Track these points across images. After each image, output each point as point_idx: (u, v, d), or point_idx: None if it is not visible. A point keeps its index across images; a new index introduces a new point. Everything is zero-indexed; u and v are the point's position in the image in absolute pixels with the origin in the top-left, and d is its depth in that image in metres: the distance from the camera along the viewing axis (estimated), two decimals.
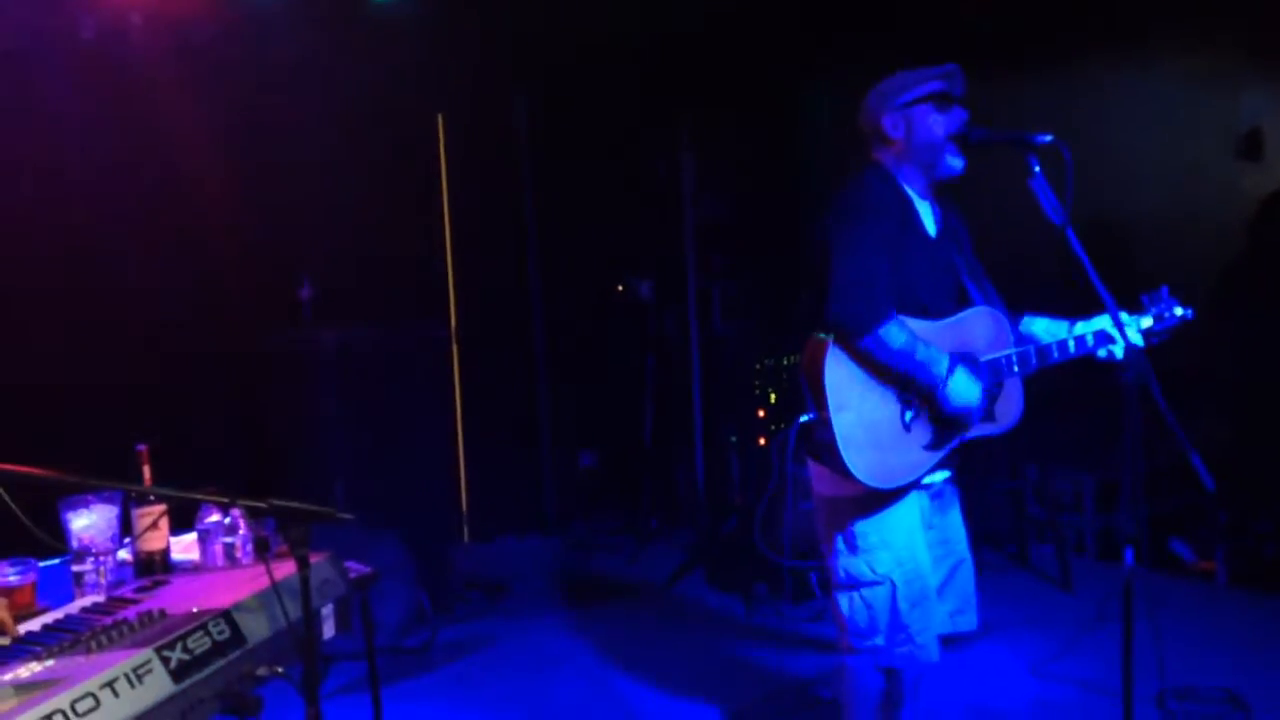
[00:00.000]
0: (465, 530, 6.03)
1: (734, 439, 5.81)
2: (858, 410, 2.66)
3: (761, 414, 5.67)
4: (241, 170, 4.84)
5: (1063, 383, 3.23)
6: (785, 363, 5.60)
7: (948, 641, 2.90)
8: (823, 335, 2.68)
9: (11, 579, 2.45)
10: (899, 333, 2.63)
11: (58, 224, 4.27)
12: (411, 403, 5.00)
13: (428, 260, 5.93)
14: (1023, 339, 2.91)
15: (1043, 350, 2.83)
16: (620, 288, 6.47)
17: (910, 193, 2.83)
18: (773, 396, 5.64)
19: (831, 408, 2.64)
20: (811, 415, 2.70)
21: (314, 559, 2.27)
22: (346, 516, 1.93)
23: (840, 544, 2.83)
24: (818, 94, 6.22)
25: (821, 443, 2.71)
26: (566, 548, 6.00)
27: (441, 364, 5.73)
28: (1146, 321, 2.90)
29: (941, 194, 2.93)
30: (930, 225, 2.86)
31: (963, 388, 2.68)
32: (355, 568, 2.88)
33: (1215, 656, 3.95)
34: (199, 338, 4.74)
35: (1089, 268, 2.63)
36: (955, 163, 2.80)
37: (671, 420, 6.32)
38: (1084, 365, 2.91)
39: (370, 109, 5.34)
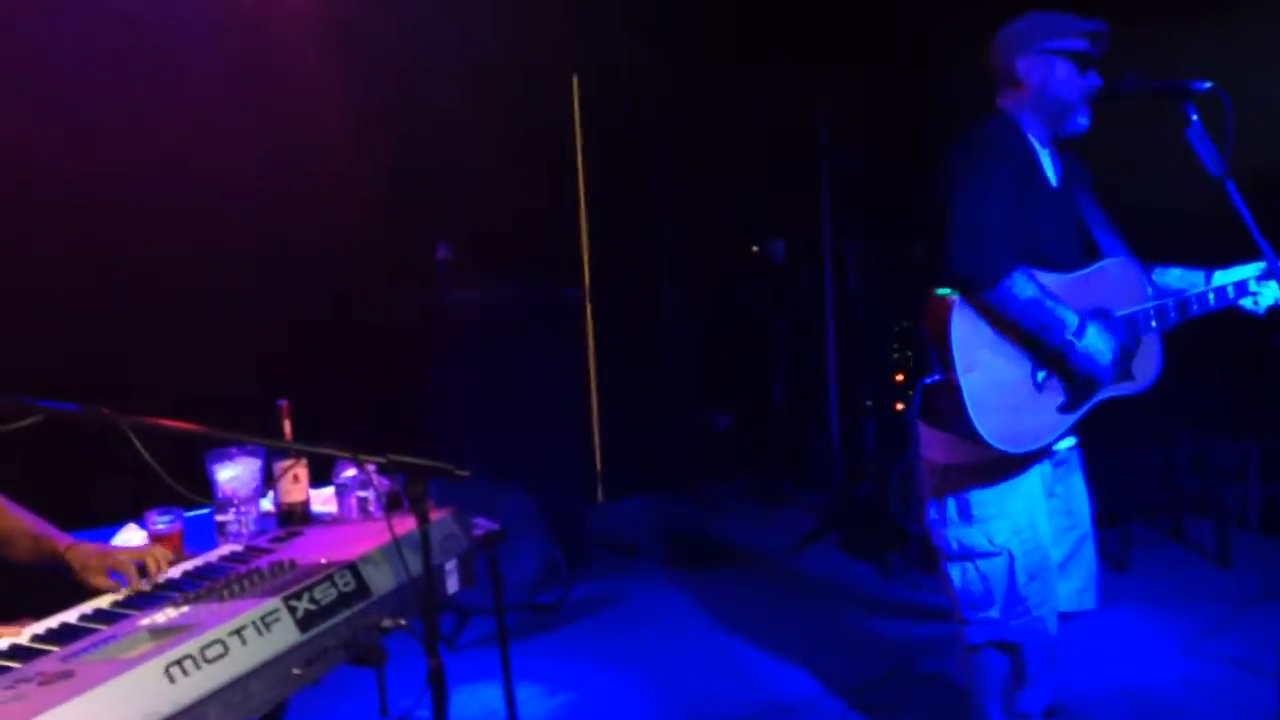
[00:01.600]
0: (599, 490, 6.09)
1: (869, 403, 5.68)
2: (987, 370, 2.52)
3: (900, 378, 5.53)
4: (380, 133, 4.94)
5: (1218, 343, 3.03)
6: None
7: (1064, 618, 2.76)
8: (946, 290, 2.55)
9: (160, 527, 2.57)
10: (1025, 284, 2.48)
11: (202, 186, 4.43)
12: (545, 362, 5.05)
13: (561, 220, 5.96)
14: (1160, 291, 2.73)
15: (1182, 303, 2.65)
16: (754, 248, 6.38)
17: (1033, 141, 2.68)
18: (911, 359, 5.49)
19: (959, 368, 2.50)
20: (937, 377, 2.57)
21: (437, 515, 2.32)
22: (464, 473, 1.95)
23: (953, 513, 2.70)
24: (953, 42, 5.95)
25: (947, 406, 2.56)
26: (697, 509, 6.00)
27: (575, 324, 5.77)
28: None
29: (1063, 143, 2.76)
30: (1052, 175, 2.70)
31: (1095, 345, 2.51)
32: (484, 524, 2.93)
33: None
34: (339, 298, 4.88)
35: (1249, 219, 2.44)
36: (1084, 122, 2.65)
37: (805, 383, 6.23)
38: (1234, 326, 2.72)
39: (506, 70, 5.37)
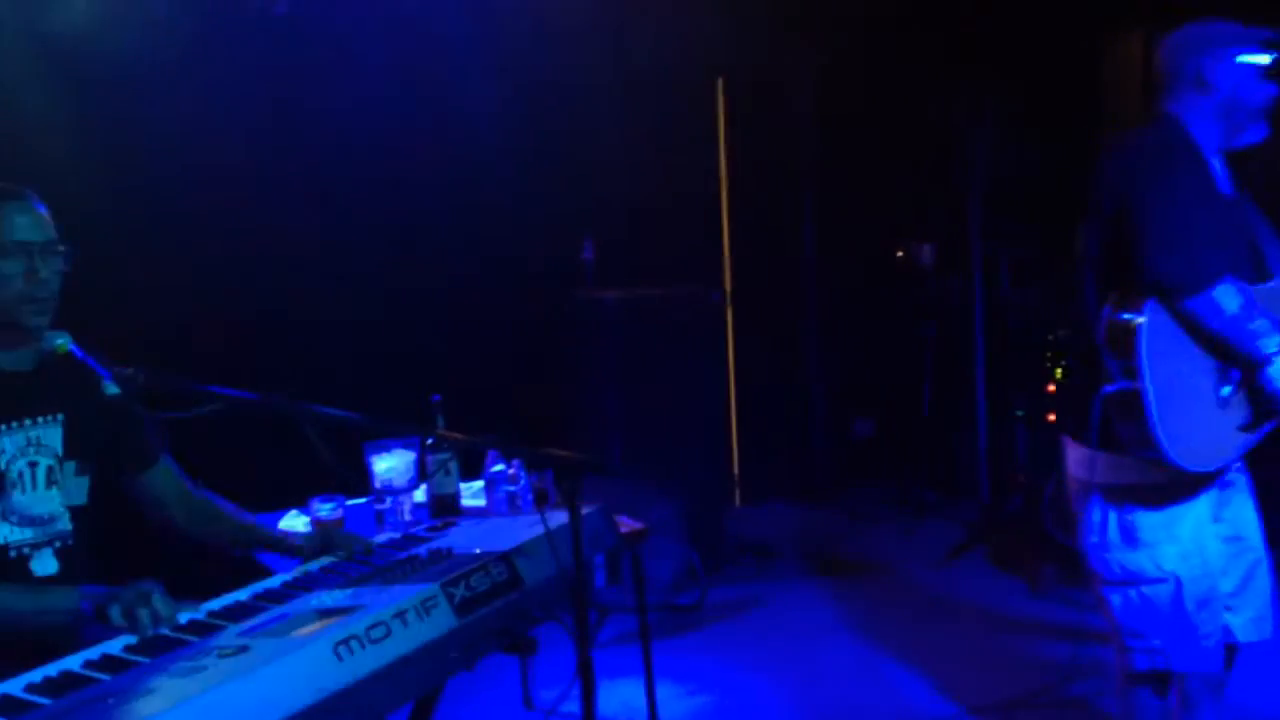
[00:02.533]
0: (737, 493, 6.07)
1: (1020, 413, 5.51)
2: (1173, 381, 2.36)
3: (1052, 388, 5.34)
4: (531, 135, 5.04)
5: None
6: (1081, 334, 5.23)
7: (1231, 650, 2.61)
8: (1134, 297, 2.41)
9: (322, 514, 2.68)
10: (1233, 296, 2.32)
11: (361, 186, 4.60)
12: (686, 364, 5.06)
13: (704, 223, 5.97)
14: None
15: None
16: (899, 253, 6.26)
17: (1204, 148, 2.54)
18: (1064, 369, 5.30)
19: (1147, 376, 2.34)
20: (1117, 386, 2.41)
21: (586, 510, 2.35)
22: (615, 469, 1.97)
23: (1115, 535, 2.55)
24: (1128, 32, 5.72)
25: (1127, 416, 2.40)
26: (838, 516, 5.91)
27: (716, 326, 5.76)
28: None
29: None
30: (1225, 183, 2.56)
31: None
32: (628, 523, 2.96)
33: None
34: (489, 298, 5.00)
35: None
36: (1261, 132, 2.50)
37: (952, 391, 6.07)
38: None
39: (652, 74, 5.41)
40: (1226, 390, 2.43)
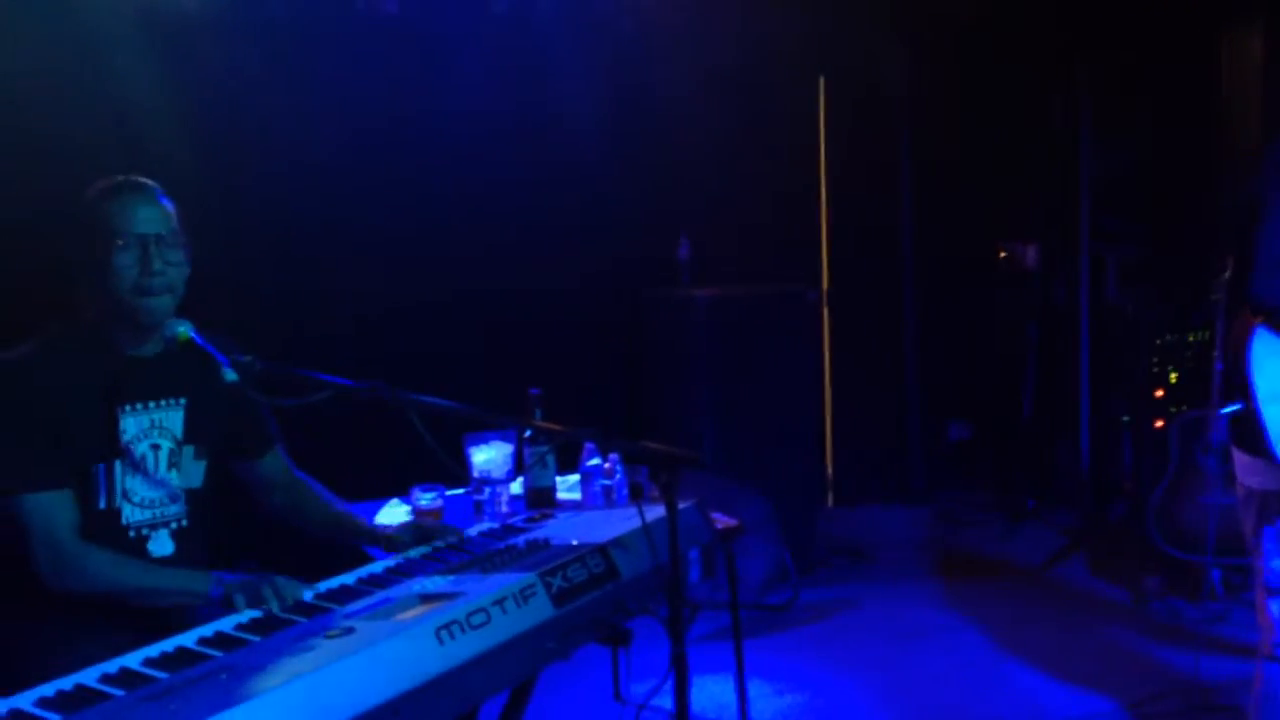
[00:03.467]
0: (830, 494, 6.01)
1: (1126, 419, 5.35)
2: None
3: (1159, 394, 5.18)
4: (629, 133, 5.07)
5: None
6: (1191, 339, 5.07)
7: None
8: (1250, 315, 2.39)
9: (423, 503, 2.74)
10: None
11: (461, 186, 4.68)
12: (780, 363, 5.04)
13: (802, 221, 5.92)
14: None
15: None
16: (1002, 254, 6.14)
17: None
18: (1173, 375, 5.14)
19: (1260, 398, 2.37)
20: (1238, 405, 2.44)
21: (681, 505, 2.35)
22: (711, 466, 1.98)
23: (1271, 542, 2.54)
24: (1247, 30, 5.50)
25: (1250, 435, 2.44)
26: (933, 519, 5.82)
27: (812, 325, 5.71)
28: None
29: None
30: None
31: None
32: (722, 519, 2.96)
33: None
34: (586, 296, 5.04)
35: None
36: None
37: (1054, 395, 5.93)
38: None
39: (753, 71, 5.39)
40: None
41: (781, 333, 5.08)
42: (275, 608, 1.91)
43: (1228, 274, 2.49)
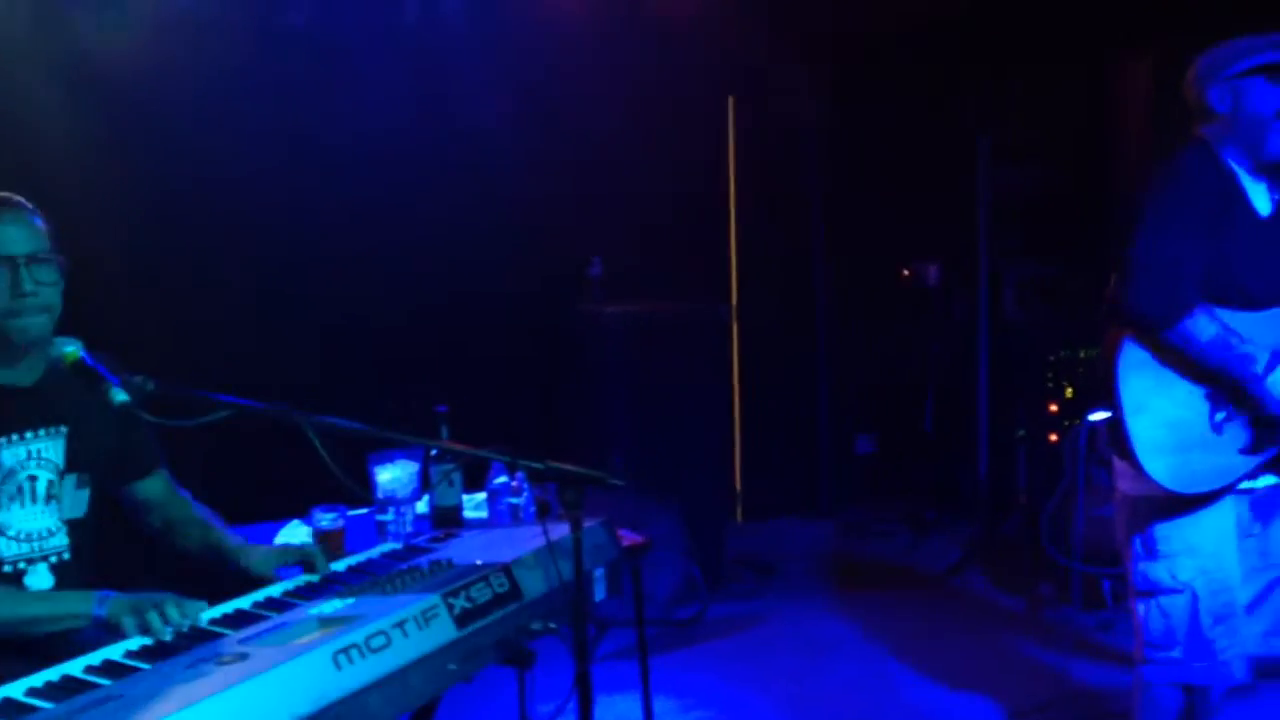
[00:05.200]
0: (740, 508, 6.07)
1: (1022, 433, 5.51)
2: (1158, 411, 2.47)
3: (1054, 408, 5.35)
4: (539, 152, 5.07)
5: None
6: (1083, 355, 5.25)
7: (1263, 670, 2.63)
8: (1119, 328, 2.49)
9: (324, 524, 2.70)
10: (1207, 325, 2.40)
11: (373, 200, 4.63)
12: (690, 380, 5.08)
13: (712, 239, 5.99)
14: None
15: None
16: (905, 271, 6.28)
17: (1238, 171, 2.56)
18: (1068, 390, 5.31)
19: (1126, 409, 2.47)
20: (1105, 414, 2.52)
21: (587, 523, 2.36)
22: (618, 483, 1.98)
23: (1139, 546, 2.63)
24: (1136, 55, 5.73)
25: (1117, 445, 2.53)
26: (840, 533, 5.92)
27: (721, 342, 5.78)
28: None
29: None
30: (1262, 204, 2.58)
31: None
32: (629, 536, 2.97)
33: None
34: (497, 313, 5.03)
35: None
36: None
37: (955, 410, 6.08)
38: None
39: (663, 91, 5.45)
40: (1220, 415, 2.47)
41: (692, 349, 5.13)
42: (165, 635, 1.86)
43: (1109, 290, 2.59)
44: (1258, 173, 2.58)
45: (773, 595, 4.94)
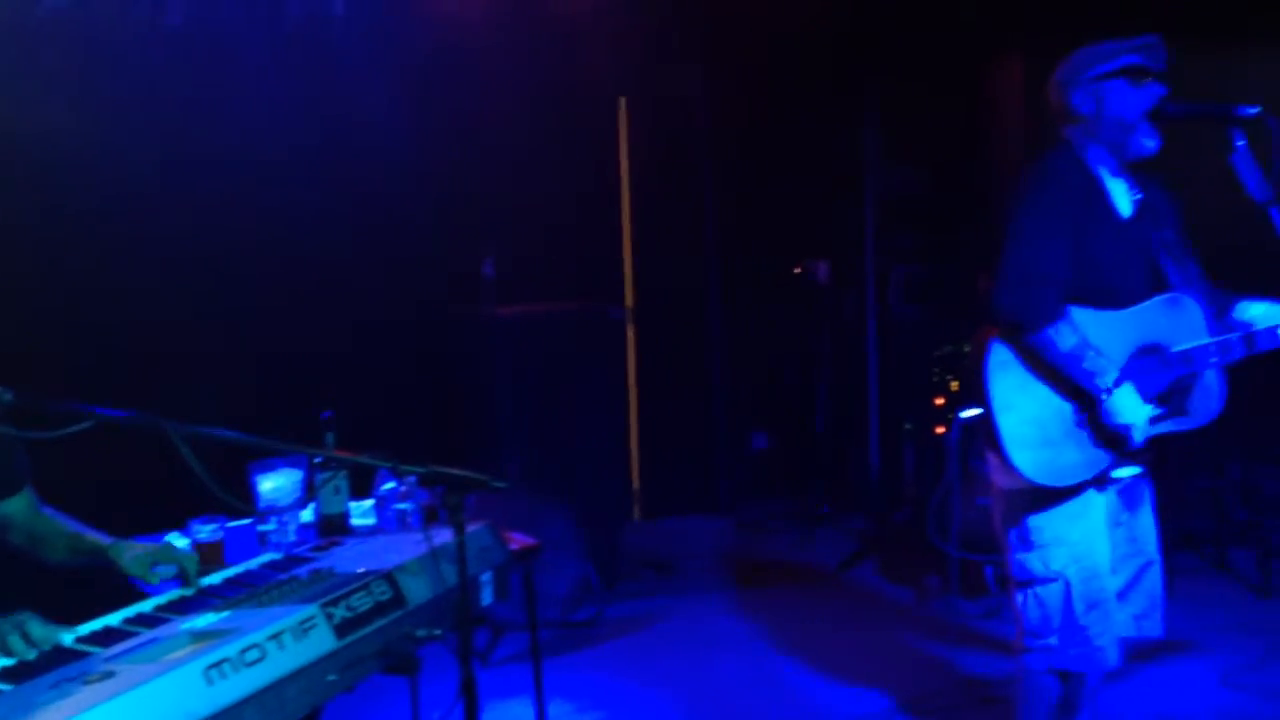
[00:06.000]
0: (636, 508, 6.10)
1: (908, 426, 5.65)
2: (1024, 408, 2.57)
3: (940, 402, 5.49)
4: (431, 153, 5.02)
5: (1271, 370, 2.99)
6: (966, 350, 5.39)
7: (1137, 653, 2.75)
8: (990, 327, 2.58)
9: (203, 536, 2.63)
10: (1069, 335, 2.50)
11: (257, 202, 4.53)
12: (586, 379, 5.09)
13: (606, 241, 6.00)
14: (1231, 325, 2.69)
15: (1251, 337, 2.59)
16: (797, 269, 6.39)
17: (1101, 172, 2.67)
18: (953, 384, 5.46)
19: (995, 407, 2.55)
20: (976, 411, 2.60)
21: (472, 527, 2.34)
22: (502, 485, 1.98)
23: (1014, 538, 2.72)
24: (1009, 59, 5.92)
25: (987, 440, 2.62)
26: (737, 529, 5.99)
27: (617, 342, 5.80)
28: None
29: (1143, 172, 2.74)
30: (1124, 204, 2.69)
31: (1125, 406, 2.53)
32: (520, 539, 2.96)
33: None
34: (388, 315, 4.96)
35: None
36: (1148, 143, 2.62)
37: (847, 405, 6.20)
38: None
39: (554, 92, 5.44)
40: (1084, 412, 2.57)
41: (587, 349, 5.14)
42: (28, 655, 1.79)
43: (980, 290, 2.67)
44: (1119, 173, 2.69)
45: (671, 593, 4.97)
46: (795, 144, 6.23)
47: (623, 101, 6.00)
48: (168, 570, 2.20)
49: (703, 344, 6.44)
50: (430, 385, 5.14)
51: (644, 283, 6.09)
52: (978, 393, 2.58)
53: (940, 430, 5.28)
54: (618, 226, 6.05)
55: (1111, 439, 2.58)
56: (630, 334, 6.04)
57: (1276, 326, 2.59)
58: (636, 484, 6.09)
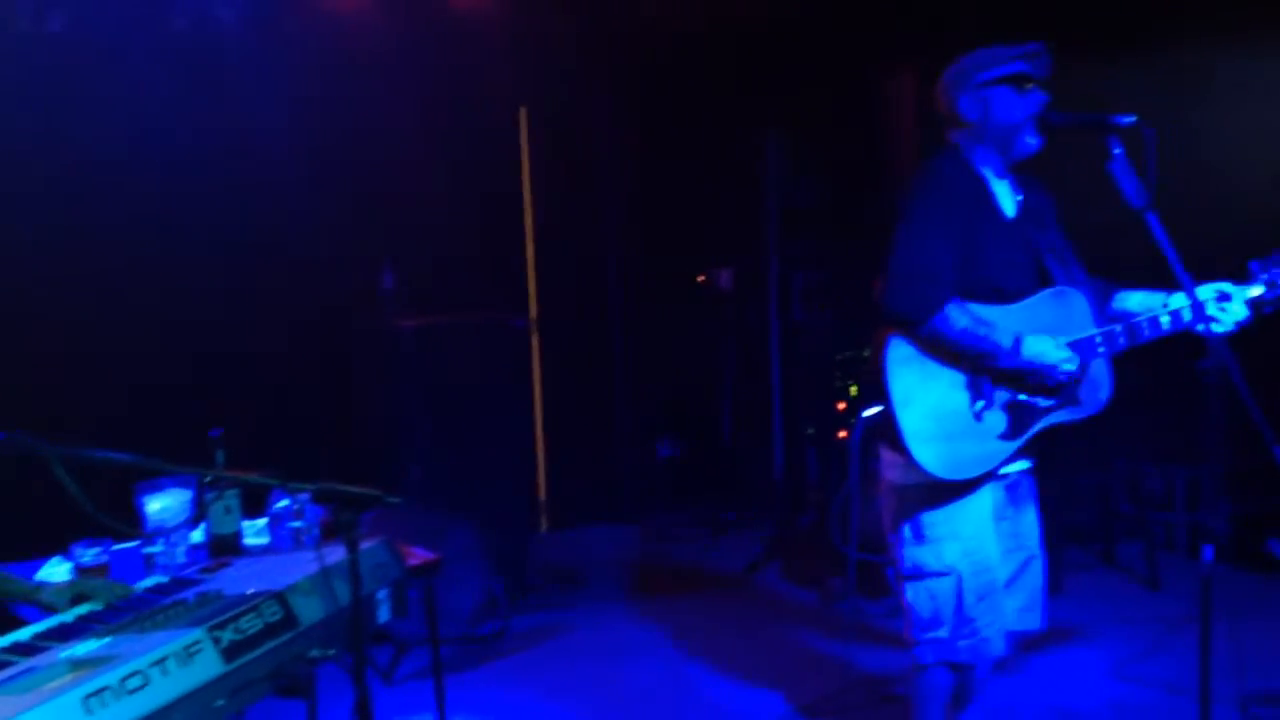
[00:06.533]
0: (543, 518, 6.07)
1: (811, 431, 5.74)
2: (924, 402, 2.61)
3: (841, 406, 5.59)
4: (327, 162, 4.94)
5: (1154, 368, 3.10)
6: (865, 354, 5.50)
7: (1029, 645, 2.82)
8: (886, 326, 2.63)
9: (86, 559, 2.55)
10: (959, 317, 2.57)
11: (145, 212, 4.41)
12: (490, 391, 5.06)
13: (509, 250, 5.97)
14: (1113, 316, 2.78)
15: (1132, 327, 2.69)
16: (701, 278, 6.44)
17: (986, 174, 2.75)
18: (853, 389, 5.55)
19: (896, 402, 2.60)
20: (877, 409, 2.65)
21: (368, 543, 2.31)
22: (394, 500, 1.95)
23: (907, 533, 2.77)
24: (902, 72, 6.07)
25: (889, 436, 2.66)
26: (644, 537, 6.00)
27: (521, 352, 5.77)
28: (1256, 290, 2.71)
29: (1024, 173, 2.83)
30: (1008, 206, 2.78)
31: (1038, 348, 2.59)
32: (420, 554, 2.93)
33: None
34: (284, 326, 4.86)
35: (1169, 251, 2.51)
36: (1032, 142, 2.72)
37: (751, 411, 6.26)
38: (1172, 348, 2.78)
39: (454, 101, 5.40)
40: (980, 405, 2.64)
41: (490, 360, 5.11)
42: None
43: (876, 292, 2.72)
44: (1003, 175, 2.78)
45: (578, 604, 4.96)
46: (698, 152, 6.28)
47: (523, 110, 5.99)
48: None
49: (607, 353, 6.44)
50: (331, 399, 5.05)
51: (548, 292, 6.07)
52: (878, 389, 2.62)
53: (842, 434, 5.38)
54: (521, 236, 6.03)
55: (1037, 387, 2.65)
56: (534, 344, 6.02)
57: (1157, 315, 2.69)
58: (543, 495, 6.06)
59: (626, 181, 6.32)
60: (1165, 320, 2.68)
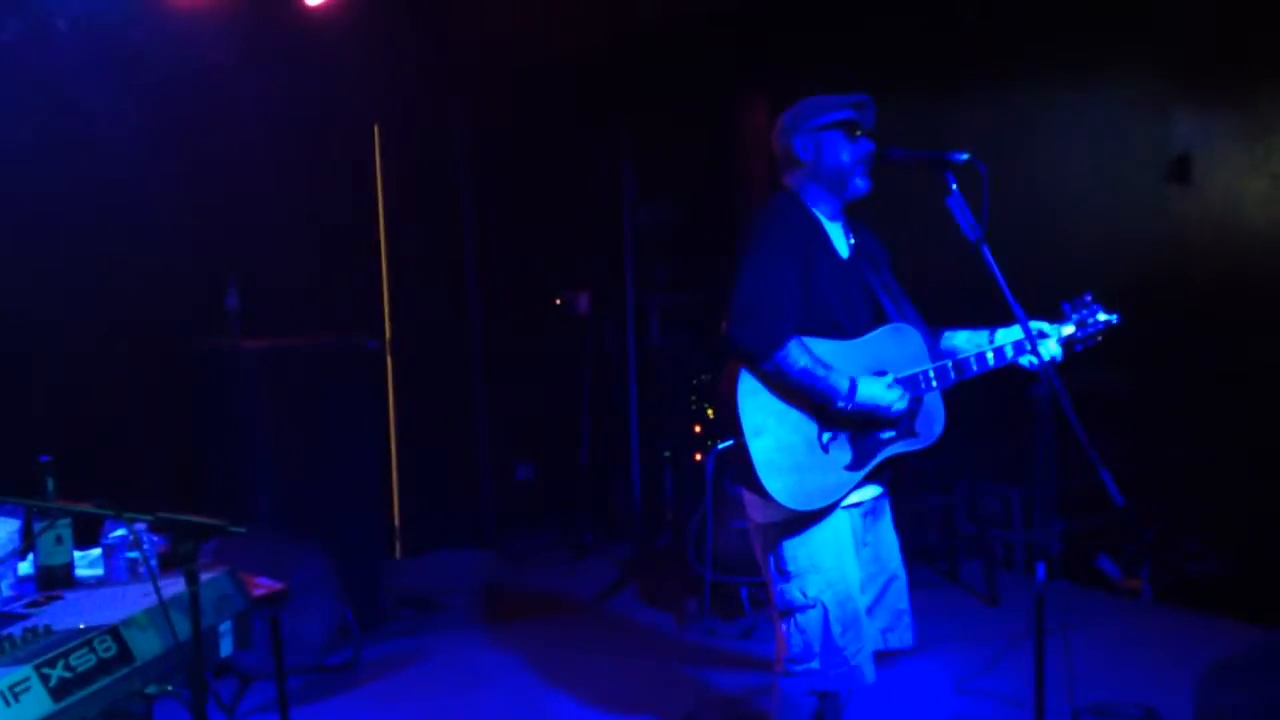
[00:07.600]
0: (397, 544, 5.95)
1: (668, 454, 5.80)
2: (774, 434, 2.67)
3: (697, 429, 5.67)
4: (169, 177, 4.75)
5: (991, 396, 3.25)
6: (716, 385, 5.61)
7: (881, 658, 2.90)
8: (732, 362, 2.69)
9: None
10: (799, 355, 2.65)
11: None
12: (342, 415, 4.92)
13: (363, 271, 5.86)
14: (942, 353, 2.92)
15: (960, 364, 2.82)
16: (557, 301, 6.45)
17: (819, 215, 2.85)
18: (710, 412, 5.64)
19: (747, 433, 2.65)
20: (729, 440, 2.70)
21: (210, 574, 2.23)
22: (238, 529, 1.89)
23: (774, 569, 2.82)
24: (755, 98, 6.23)
25: (741, 467, 2.71)
26: (502, 562, 5.95)
27: (374, 375, 5.66)
28: (1068, 329, 2.90)
29: (854, 216, 2.95)
30: (842, 247, 2.88)
31: (870, 392, 2.69)
32: (266, 584, 2.82)
33: (1136, 673, 4.00)
34: (122, 346, 4.65)
35: (1002, 283, 2.65)
36: (862, 184, 2.85)
37: (609, 434, 6.29)
38: (1008, 377, 2.92)
39: (304, 117, 5.28)
40: (827, 436, 2.71)
41: (342, 384, 4.97)
42: None
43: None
44: (836, 217, 2.89)
45: (433, 631, 4.88)
46: (554, 176, 6.31)
47: (376, 129, 5.90)
48: None
49: (464, 376, 6.38)
50: (171, 423, 4.84)
51: (403, 314, 5.99)
52: (730, 422, 2.67)
53: (699, 457, 5.45)
54: (375, 257, 5.93)
55: (869, 424, 2.73)
56: (389, 366, 5.92)
57: (983, 352, 2.83)
58: (397, 520, 5.95)
59: (483, 203, 6.30)
60: (990, 356, 2.82)
